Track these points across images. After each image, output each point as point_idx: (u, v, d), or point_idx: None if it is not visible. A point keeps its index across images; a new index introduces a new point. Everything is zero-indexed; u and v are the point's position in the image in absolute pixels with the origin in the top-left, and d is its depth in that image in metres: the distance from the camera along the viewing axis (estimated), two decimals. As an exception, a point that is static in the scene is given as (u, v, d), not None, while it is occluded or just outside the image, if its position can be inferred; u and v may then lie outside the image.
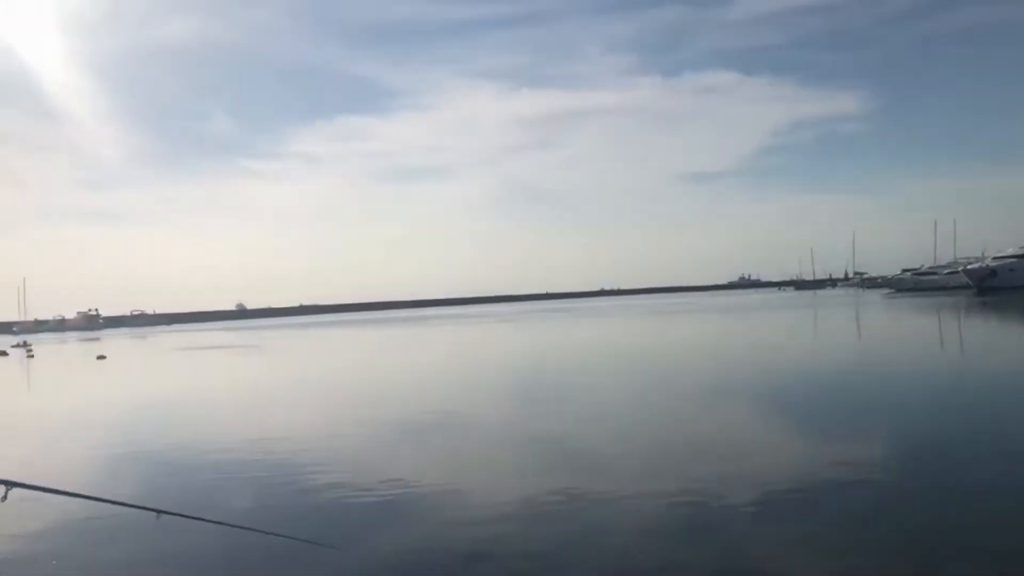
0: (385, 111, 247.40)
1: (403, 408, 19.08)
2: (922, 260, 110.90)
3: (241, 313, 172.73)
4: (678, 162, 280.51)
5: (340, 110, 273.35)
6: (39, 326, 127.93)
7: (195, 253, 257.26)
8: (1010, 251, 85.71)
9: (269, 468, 12.33)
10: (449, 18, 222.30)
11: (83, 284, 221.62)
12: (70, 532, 8.92)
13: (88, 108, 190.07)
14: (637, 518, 8.66)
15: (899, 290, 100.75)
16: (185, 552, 7.89)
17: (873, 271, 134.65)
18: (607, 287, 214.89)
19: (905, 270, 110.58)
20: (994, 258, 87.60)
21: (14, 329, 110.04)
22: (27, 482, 3.15)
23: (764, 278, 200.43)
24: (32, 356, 55.30)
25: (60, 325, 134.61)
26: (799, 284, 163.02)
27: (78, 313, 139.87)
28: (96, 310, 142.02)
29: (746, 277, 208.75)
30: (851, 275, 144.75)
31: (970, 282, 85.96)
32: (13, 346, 65.67)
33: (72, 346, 75.18)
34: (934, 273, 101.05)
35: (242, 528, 5.17)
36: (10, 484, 3.05)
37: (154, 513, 4.37)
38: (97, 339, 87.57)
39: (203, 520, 4.91)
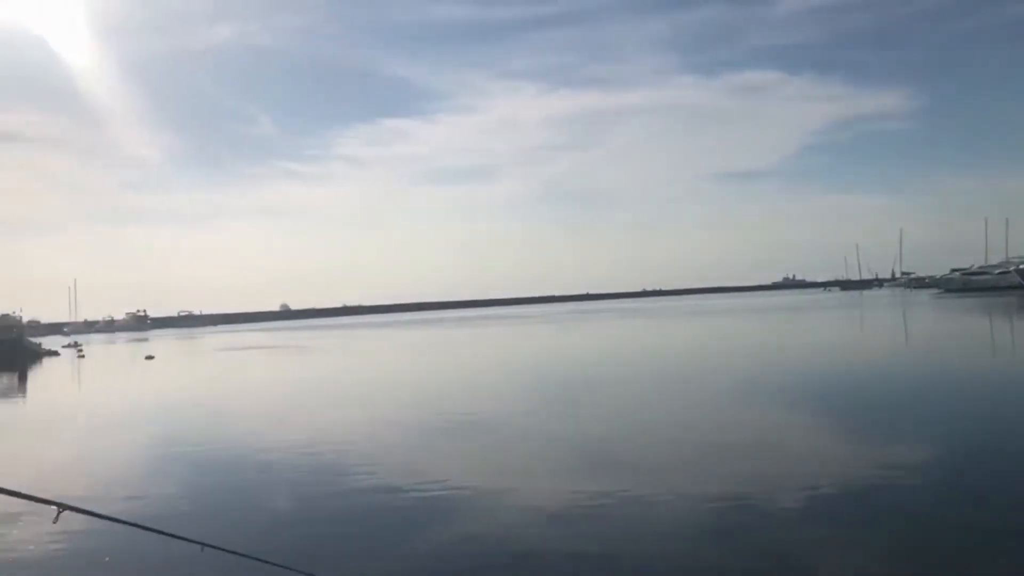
0: (426, 113, 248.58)
1: (453, 409, 19.07)
2: (972, 260, 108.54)
3: (285, 314, 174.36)
4: (719, 161, 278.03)
5: (381, 113, 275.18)
6: (89, 327, 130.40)
7: (240, 255, 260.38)
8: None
9: (321, 485, 12.33)
10: (488, 20, 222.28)
11: (131, 285, 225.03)
12: (117, 553, 8.83)
13: (134, 113, 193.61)
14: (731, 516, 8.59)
15: (948, 290, 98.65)
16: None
17: (921, 271, 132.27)
18: (648, 288, 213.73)
19: (955, 270, 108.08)
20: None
21: (65, 330, 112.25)
22: (78, 505, 3.17)
23: (808, 279, 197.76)
24: (83, 356, 56.42)
25: (109, 326, 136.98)
26: (844, 284, 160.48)
27: (127, 314, 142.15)
28: (144, 311, 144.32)
29: (790, 278, 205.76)
30: (898, 275, 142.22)
31: (1022, 282, 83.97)
32: (64, 346, 67.06)
33: (121, 346, 76.59)
34: (985, 273, 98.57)
35: (284, 567, 5.09)
36: (62, 506, 3.07)
37: (199, 546, 4.40)
38: (145, 339, 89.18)
39: (246, 557, 4.88)
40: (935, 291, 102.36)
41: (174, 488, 11.77)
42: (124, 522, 3.42)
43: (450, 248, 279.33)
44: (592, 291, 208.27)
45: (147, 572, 7.86)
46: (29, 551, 8.60)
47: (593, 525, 8.66)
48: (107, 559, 8.12)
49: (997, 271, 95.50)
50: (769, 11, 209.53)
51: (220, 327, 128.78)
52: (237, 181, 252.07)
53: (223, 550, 4.53)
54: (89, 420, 21.93)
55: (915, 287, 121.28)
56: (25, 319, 64.16)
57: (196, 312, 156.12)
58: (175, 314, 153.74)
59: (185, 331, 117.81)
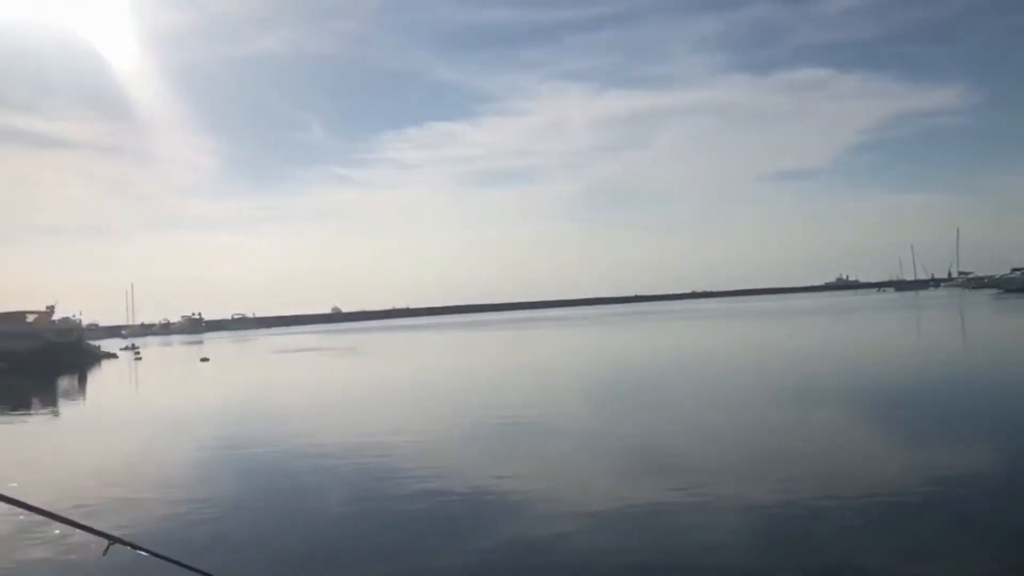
0: (474, 116, 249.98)
1: (509, 412, 19.05)
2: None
3: (337, 316, 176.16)
4: (769, 161, 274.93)
5: (430, 116, 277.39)
6: (146, 330, 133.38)
7: (292, 258, 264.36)
8: None
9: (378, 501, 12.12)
10: (536, 22, 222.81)
11: (186, 289, 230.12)
12: None
13: (187, 119, 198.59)
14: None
15: (1008, 290, 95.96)
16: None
17: (979, 271, 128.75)
18: (698, 289, 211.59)
19: (1015, 269, 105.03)
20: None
21: (123, 333, 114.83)
22: (128, 539, 3.20)
23: (862, 279, 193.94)
24: (140, 359, 57.70)
25: (165, 329, 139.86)
26: (899, 285, 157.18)
27: (182, 317, 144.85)
28: (199, 314, 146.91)
29: (843, 278, 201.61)
30: (955, 275, 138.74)
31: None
32: (122, 349, 68.61)
33: (177, 349, 78.09)
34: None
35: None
36: (112, 539, 3.10)
37: None
38: (200, 342, 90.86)
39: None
40: (994, 291, 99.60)
41: (227, 504, 11.93)
42: (177, 563, 3.40)
43: (498, 250, 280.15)
44: (642, 293, 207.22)
45: None
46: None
47: (648, 531, 8.61)
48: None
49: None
50: (819, 8, 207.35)
51: (272, 329, 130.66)
52: (288, 186, 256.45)
53: None
54: (149, 422, 22.33)
55: (973, 287, 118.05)
56: (84, 322, 65.76)
57: (249, 315, 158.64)
58: (228, 317, 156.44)
59: (238, 334, 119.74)
